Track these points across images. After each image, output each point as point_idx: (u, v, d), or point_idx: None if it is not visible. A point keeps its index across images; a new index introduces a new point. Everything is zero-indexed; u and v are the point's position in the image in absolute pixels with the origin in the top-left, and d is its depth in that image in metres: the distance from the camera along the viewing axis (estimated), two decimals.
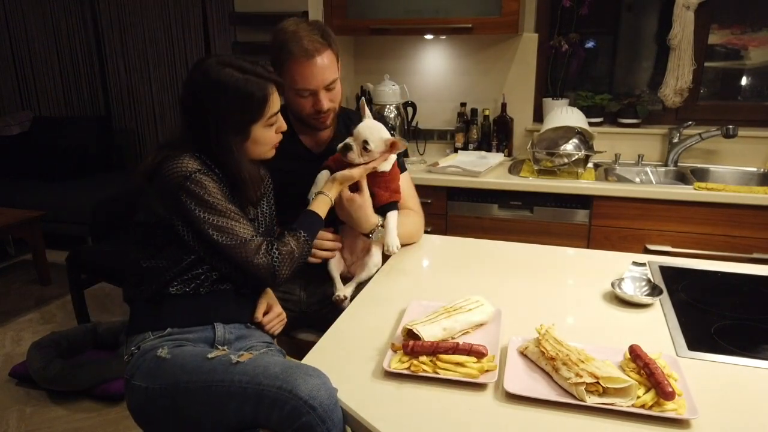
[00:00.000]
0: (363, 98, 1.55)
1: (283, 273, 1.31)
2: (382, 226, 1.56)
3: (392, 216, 1.57)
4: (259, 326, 1.42)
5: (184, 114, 1.33)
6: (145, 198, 1.32)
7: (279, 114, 1.35)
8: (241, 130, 1.30)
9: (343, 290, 1.54)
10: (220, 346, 1.29)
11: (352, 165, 1.53)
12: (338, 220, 1.58)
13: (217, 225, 1.26)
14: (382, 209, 1.57)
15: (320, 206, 1.45)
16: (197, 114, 1.29)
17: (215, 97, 1.26)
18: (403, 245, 1.73)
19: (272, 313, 1.43)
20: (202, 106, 1.27)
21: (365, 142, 1.48)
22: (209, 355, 1.17)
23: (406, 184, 1.74)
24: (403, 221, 1.67)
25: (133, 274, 1.34)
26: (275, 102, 1.32)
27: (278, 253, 1.30)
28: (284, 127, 1.38)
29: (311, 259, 1.56)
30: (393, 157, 1.59)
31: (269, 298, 1.47)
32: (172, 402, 1.15)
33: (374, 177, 1.55)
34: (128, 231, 1.40)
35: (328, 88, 1.53)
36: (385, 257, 1.64)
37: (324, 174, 1.56)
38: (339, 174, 1.49)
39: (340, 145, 1.51)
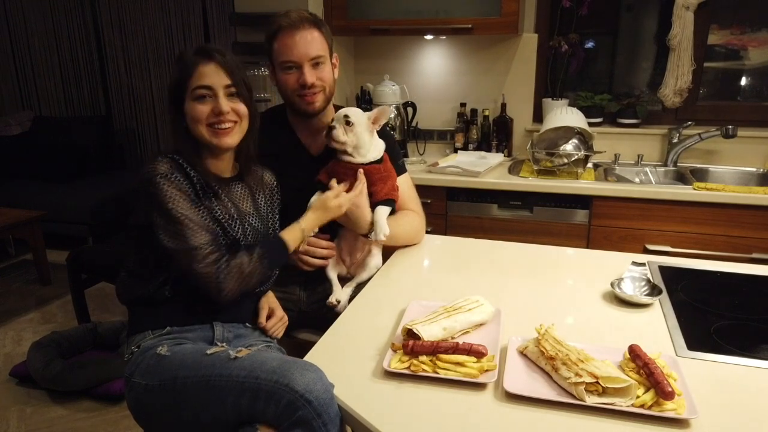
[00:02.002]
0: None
1: (229, 287, 1.25)
2: None
3: (382, 208, 1.55)
4: (262, 330, 1.42)
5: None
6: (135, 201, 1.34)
7: (216, 93, 1.30)
8: (179, 105, 1.32)
9: (338, 294, 1.53)
10: (219, 343, 1.29)
11: (347, 171, 1.52)
12: (336, 223, 1.58)
13: (170, 230, 1.24)
14: (376, 205, 1.56)
15: (290, 234, 1.41)
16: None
17: (170, 76, 1.32)
18: (403, 246, 1.73)
19: (275, 318, 1.43)
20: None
21: (346, 116, 1.49)
22: (208, 351, 1.17)
23: (406, 185, 1.74)
24: (403, 221, 1.67)
25: (128, 276, 1.34)
26: (204, 75, 1.29)
27: (226, 265, 1.25)
28: (222, 108, 1.30)
29: (305, 268, 1.56)
30: (381, 150, 1.58)
31: (270, 301, 1.47)
32: (171, 398, 1.16)
33: (370, 174, 1.55)
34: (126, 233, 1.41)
35: (315, 63, 1.52)
36: (386, 257, 1.64)
37: (315, 198, 1.55)
38: (317, 202, 1.46)
39: (325, 131, 1.51)
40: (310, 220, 1.44)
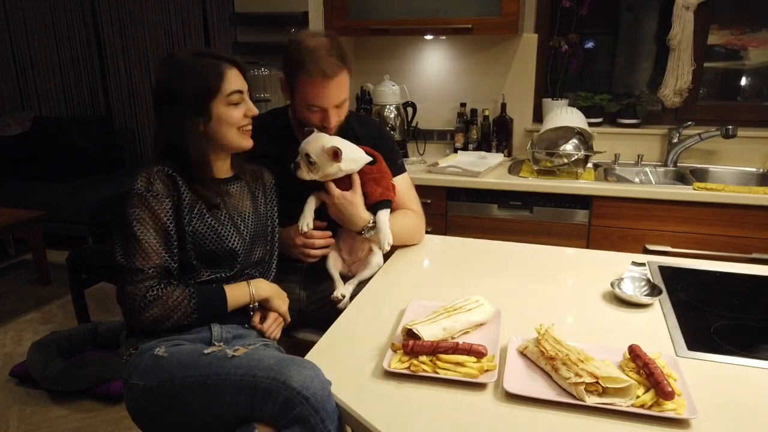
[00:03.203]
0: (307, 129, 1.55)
1: (149, 312, 1.24)
2: (374, 223, 1.55)
3: (383, 213, 1.56)
4: (259, 332, 1.42)
5: (155, 111, 1.35)
6: None
7: (245, 96, 1.35)
8: (202, 109, 1.31)
9: (343, 289, 1.54)
10: (217, 343, 1.29)
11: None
12: (333, 220, 1.59)
13: (126, 246, 1.26)
14: (374, 207, 1.56)
15: (235, 290, 1.36)
16: (162, 106, 1.32)
17: (175, 81, 1.29)
18: (402, 246, 1.73)
19: (269, 319, 1.43)
20: (165, 95, 1.31)
21: (307, 155, 1.48)
22: (205, 351, 1.17)
23: (405, 185, 1.74)
24: (402, 221, 1.67)
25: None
26: (233, 79, 1.33)
27: (154, 291, 1.24)
28: (253, 111, 1.37)
29: (307, 260, 1.58)
30: (361, 158, 1.55)
31: (270, 304, 1.46)
32: (168, 398, 1.16)
33: (362, 175, 1.55)
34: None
35: (338, 105, 1.55)
36: (387, 256, 1.64)
37: (311, 201, 1.56)
38: (276, 301, 1.44)
39: (292, 165, 1.51)
40: (263, 289, 1.40)
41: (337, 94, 1.52)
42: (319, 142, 1.48)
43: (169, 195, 1.29)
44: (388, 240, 1.53)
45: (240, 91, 1.34)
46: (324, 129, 1.56)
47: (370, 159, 1.56)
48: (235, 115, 1.34)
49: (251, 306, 1.39)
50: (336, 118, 1.56)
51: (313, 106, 1.53)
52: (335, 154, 1.47)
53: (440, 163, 2.68)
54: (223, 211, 1.37)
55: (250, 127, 1.39)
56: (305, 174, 1.50)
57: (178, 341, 1.26)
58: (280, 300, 1.44)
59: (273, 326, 1.43)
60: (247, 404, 1.07)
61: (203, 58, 1.31)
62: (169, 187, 1.29)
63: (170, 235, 1.28)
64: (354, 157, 1.53)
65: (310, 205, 1.56)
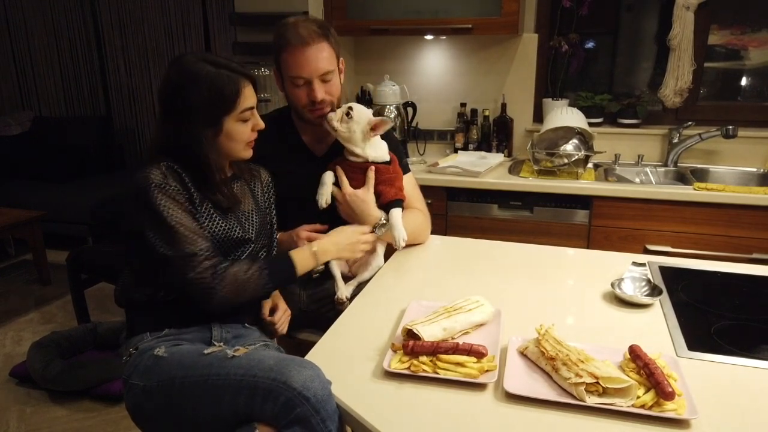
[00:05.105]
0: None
1: (221, 294, 1.21)
2: (386, 221, 1.56)
3: (396, 212, 1.57)
4: (267, 325, 1.42)
5: (161, 112, 1.34)
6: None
7: (254, 111, 1.35)
8: (213, 122, 1.29)
9: (345, 291, 1.54)
10: (217, 343, 1.29)
11: (355, 170, 1.54)
12: (341, 219, 1.59)
13: (165, 238, 1.22)
14: (386, 207, 1.57)
15: (299, 254, 1.37)
16: (172, 109, 1.30)
17: (188, 88, 1.26)
18: (408, 245, 1.73)
19: (279, 311, 1.43)
20: (175, 100, 1.28)
21: (349, 108, 1.51)
22: (205, 351, 1.17)
23: (410, 185, 1.75)
24: (409, 219, 1.67)
25: (127, 278, 1.35)
26: (248, 96, 1.32)
27: (222, 271, 1.22)
28: (261, 125, 1.36)
29: None
30: (383, 155, 1.59)
31: (274, 296, 1.47)
32: (168, 398, 1.16)
33: (378, 173, 1.56)
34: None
35: (324, 78, 1.52)
36: (387, 257, 1.64)
37: (329, 174, 1.57)
38: (344, 232, 1.47)
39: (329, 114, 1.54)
40: (326, 247, 1.41)
41: (317, 61, 1.49)
42: (367, 111, 1.54)
43: (183, 188, 1.28)
44: (402, 237, 1.54)
45: (252, 107, 1.33)
46: (312, 106, 1.54)
47: (388, 158, 1.59)
48: (244, 131, 1.33)
49: (315, 271, 1.41)
50: (323, 92, 1.52)
51: (296, 78, 1.51)
52: (375, 127, 1.52)
53: (440, 163, 2.68)
54: (228, 213, 1.37)
55: (254, 139, 1.38)
56: (334, 121, 1.51)
57: (177, 341, 1.26)
58: (346, 243, 1.47)
59: (282, 318, 1.43)
60: (247, 404, 1.07)
61: (220, 70, 1.28)
62: (179, 182, 1.29)
63: (197, 221, 1.27)
64: (381, 147, 1.59)
65: (328, 181, 1.57)
